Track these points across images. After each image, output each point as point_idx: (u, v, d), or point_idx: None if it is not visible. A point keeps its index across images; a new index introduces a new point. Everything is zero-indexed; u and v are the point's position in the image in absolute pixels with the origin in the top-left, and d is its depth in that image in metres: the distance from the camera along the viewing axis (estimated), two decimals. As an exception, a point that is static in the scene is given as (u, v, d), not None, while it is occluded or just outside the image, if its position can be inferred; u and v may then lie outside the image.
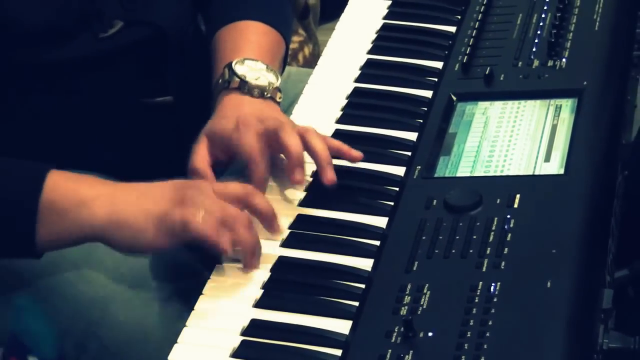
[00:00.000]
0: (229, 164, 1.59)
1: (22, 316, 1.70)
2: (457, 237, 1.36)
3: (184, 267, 1.66)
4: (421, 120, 1.62)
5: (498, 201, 1.40)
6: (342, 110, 1.70)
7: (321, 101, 1.72)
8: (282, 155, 1.56)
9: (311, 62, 2.36)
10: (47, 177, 1.47)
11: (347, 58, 1.82)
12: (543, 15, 1.76)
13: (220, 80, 1.68)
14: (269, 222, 1.47)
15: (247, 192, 1.47)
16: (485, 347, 1.18)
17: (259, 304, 1.37)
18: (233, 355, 1.29)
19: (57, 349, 1.68)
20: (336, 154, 1.54)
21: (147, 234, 1.43)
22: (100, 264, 1.67)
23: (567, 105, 1.57)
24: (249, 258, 1.42)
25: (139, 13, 1.77)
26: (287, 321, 1.33)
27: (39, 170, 1.48)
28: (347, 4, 1.97)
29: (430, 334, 1.22)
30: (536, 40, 1.72)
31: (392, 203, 1.49)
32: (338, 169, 1.53)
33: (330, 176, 1.50)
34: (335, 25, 1.93)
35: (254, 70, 1.67)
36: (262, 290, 1.39)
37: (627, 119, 1.58)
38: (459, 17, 1.83)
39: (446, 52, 1.76)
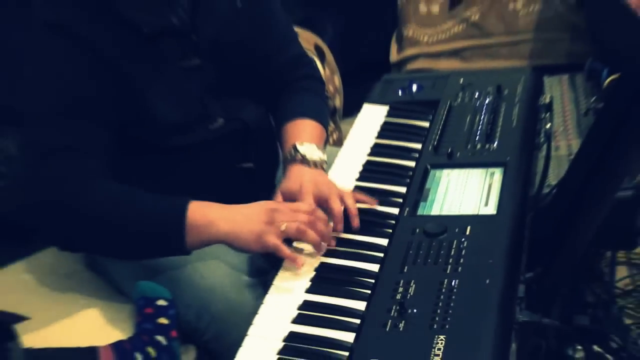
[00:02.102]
0: None
1: (144, 287, 1.71)
2: (432, 252, 1.37)
3: (260, 268, 1.69)
4: (409, 180, 1.62)
5: (457, 230, 1.41)
6: (359, 173, 1.70)
7: (346, 168, 1.73)
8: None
9: (338, 143, 2.36)
10: (189, 206, 1.50)
11: (362, 141, 1.82)
12: (482, 117, 1.76)
13: (289, 156, 1.68)
14: (325, 223, 1.51)
15: (312, 208, 1.51)
16: (448, 319, 1.22)
17: (308, 290, 1.40)
18: (292, 322, 1.32)
19: (179, 318, 1.68)
20: (362, 202, 1.57)
21: (252, 245, 1.48)
22: (211, 259, 1.69)
23: (497, 172, 1.57)
24: (317, 246, 1.48)
25: (233, 114, 1.78)
26: (324, 301, 1.36)
27: (183, 202, 1.51)
28: (361, 108, 1.97)
29: (415, 310, 1.25)
30: (478, 132, 1.71)
31: (390, 230, 1.49)
32: (359, 210, 1.55)
33: (356, 223, 1.53)
34: (354, 120, 1.93)
35: (311, 149, 1.67)
36: (310, 282, 1.42)
37: (532, 180, 1.60)
38: (431, 116, 1.83)
39: (424, 138, 1.76)
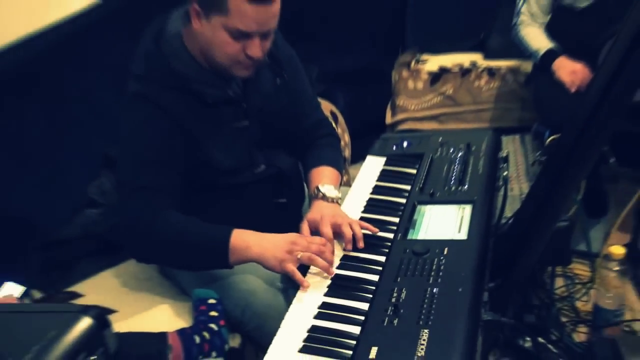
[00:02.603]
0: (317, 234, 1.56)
1: (198, 292, 1.71)
2: (418, 267, 1.36)
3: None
4: (401, 212, 1.61)
5: (437, 251, 1.40)
6: (364, 207, 1.69)
7: (354, 203, 1.71)
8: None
9: (347, 184, 2.35)
10: (232, 233, 1.50)
11: (366, 183, 1.80)
12: (456, 166, 1.74)
13: (313, 194, 1.68)
14: (331, 254, 1.48)
15: (324, 241, 1.49)
16: (431, 317, 1.21)
17: (326, 294, 1.38)
18: (314, 317, 1.31)
19: (228, 313, 1.68)
20: (366, 229, 1.55)
21: (275, 268, 1.47)
22: (251, 273, 1.68)
23: (468, 207, 1.56)
24: (326, 269, 1.44)
25: (272, 161, 1.77)
26: (338, 302, 1.35)
27: (229, 229, 1.51)
28: (365, 158, 1.94)
29: (405, 310, 1.24)
30: (453, 178, 1.69)
31: (387, 250, 1.47)
32: (363, 235, 1.54)
33: (361, 245, 1.52)
34: (359, 167, 1.91)
35: (329, 189, 1.67)
36: (327, 288, 1.40)
37: (493, 213, 1.60)
38: (418, 165, 1.80)
39: (412, 182, 1.74)
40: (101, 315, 1.17)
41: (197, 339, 1.60)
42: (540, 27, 2.71)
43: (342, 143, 2.59)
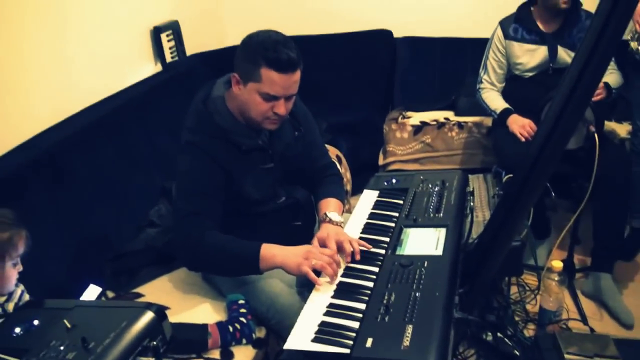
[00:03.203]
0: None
1: (231, 296, 1.71)
2: (404, 276, 1.35)
3: (304, 282, 1.66)
4: (390, 233, 1.59)
5: (419, 264, 1.38)
6: (362, 229, 1.67)
7: (354, 226, 1.69)
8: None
9: (348, 212, 2.34)
10: (261, 247, 1.51)
11: (363, 211, 1.77)
12: (433, 198, 1.72)
13: (322, 218, 1.69)
14: (337, 265, 1.46)
15: (333, 253, 1.48)
16: (414, 315, 1.20)
17: (333, 296, 1.37)
18: (323, 314, 1.30)
19: (255, 310, 1.68)
20: (363, 246, 1.53)
21: (294, 271, 1.46)
22: (275, 277, 1.67)
23: (443, 230, 1.54)
24: (332, 276, 1.43)
25: (291, 194, 1.78)
26: (342, 303, 1.34)
27: (258, 245, 1.51)
28: (362, 191, 1.89)
29: (394, 310, 1.24)
30: (431, 206, 1.68)
31: (380, 262, 1.45)
32: (361, 250, 1.52)
33: (358, 258, 1.50)
34: (358, 198, 1.87)
35: (334, 215, 1.67)
36: (333, 291, 1.39)
37: (463, 235, 1.56)
38: (404, 198, 1.78)
39: (399, 210, 1.71)
40: (159, 310, 1.18)
41: (231, 329, 1.62)
42: (498, 92, 2.76)
43: (345, 180, 2.60)
